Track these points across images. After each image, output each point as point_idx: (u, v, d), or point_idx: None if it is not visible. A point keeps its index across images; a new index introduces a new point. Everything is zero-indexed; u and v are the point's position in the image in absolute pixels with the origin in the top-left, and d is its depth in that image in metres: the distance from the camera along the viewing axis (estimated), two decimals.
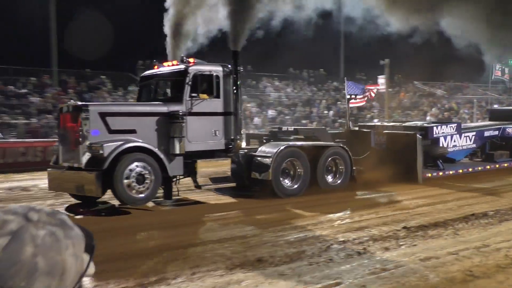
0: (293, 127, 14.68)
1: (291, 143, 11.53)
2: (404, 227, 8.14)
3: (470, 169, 14.42)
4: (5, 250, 0.84)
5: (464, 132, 14.81)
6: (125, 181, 9.20)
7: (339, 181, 12.00)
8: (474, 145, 15.11)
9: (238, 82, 11.21)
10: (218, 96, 10.75)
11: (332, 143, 12.38)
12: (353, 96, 16.25)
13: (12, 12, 23.12)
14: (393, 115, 28.88)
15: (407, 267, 6.04)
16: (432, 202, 10.39)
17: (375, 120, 27.31)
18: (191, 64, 10.62)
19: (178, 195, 10.72)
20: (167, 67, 11.50)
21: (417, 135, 12.96)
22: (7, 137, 19.86)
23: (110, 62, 27.51)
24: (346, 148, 12.22)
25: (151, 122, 9.99)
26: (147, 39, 25.73)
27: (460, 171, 14.10)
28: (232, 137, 10.86)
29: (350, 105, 16.61)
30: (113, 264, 6.25)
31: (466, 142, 14.77)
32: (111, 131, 9.58)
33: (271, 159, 10.58)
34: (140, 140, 9.61)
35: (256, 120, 26.52)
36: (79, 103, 9.63)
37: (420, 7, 15.14)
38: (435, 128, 14.22)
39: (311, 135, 12.73)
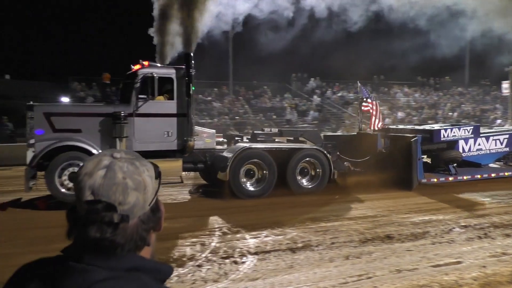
0: (277, 128, 12.53)
1: (253, 145, 9.63)
2: None
3: (493, 175, 11.14)
4: (105, 177, 1.00)
5: (492, 135, 11.68)
6: (58, 178, 8.12)
7: (314, 184, 9.77)
8: (507, 149, 11.84)
9: (191, 84, 9.28)
10: (172, 98, 9.26)
11: (306, 145, 10.09)
12: (364, 99, 12.94)
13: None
14: None
15: None
16: None
17: (498, 121, 24.63)
18: (146, 67, 9.12)
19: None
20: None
21: (412, 139, 10.04)
22: None
23: (271, 74, 28.49)
24: (323, 150, 9.95)
25: (96, 122, 8.74)
26: (302, 55, 26.30)
27: (479, 176, 10.97)
28: (185, 138, 9.11)
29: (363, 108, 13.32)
30: (270, 231, 6.72)
31: (496, 145, 11.65)
32: (56, 130, 8.51)
33: (229, 160, 9.02)
34: (84, 139, 8.51)
35: (387, 120, 25.63)
36: (29, 103, 8.60)
37: None
38: (443, 131, 11.14)
39: (297, 137, 10.67)
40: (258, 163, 9.29)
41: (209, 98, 26.90)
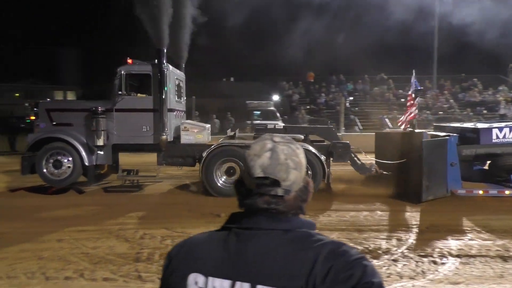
0: (283, 124, 11.08)
1: (226, 142, 9.04)
2: None
3: None
4: (271, 158, 1.14)
5: None
6: (44, 165, 8.79)
7: None
8: None
9: (165, 80, 8.89)
10: (149, 94, 9.04)
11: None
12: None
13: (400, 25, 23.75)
14: None
15: None
16: None
17: None
18: (127, 64, 9.05)
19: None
20: None
21: (422, 140, 7.79)
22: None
23: (483, 66, 25.13)
24: (313, 150, 8.55)
25: (83, 117, 9.01)
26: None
27: None
28: (163, 133, 8.82)
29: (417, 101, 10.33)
30: (476, 234, 6.04)
31: None
32: (54, 124, 9.11)
33: (203, 157, 8.58)
34: (72, 132, 8.94)
35: None
36: (37, 101, 9.42)
37: None
38: (496, 130, 8.11)
39: (307, 135, 9.47)
40: (236, 161, 8.65)
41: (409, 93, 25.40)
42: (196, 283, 1.11)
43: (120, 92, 8.92)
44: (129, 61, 9.15)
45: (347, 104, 22.60)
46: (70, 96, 46.36)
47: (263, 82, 29.06)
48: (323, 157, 8.67)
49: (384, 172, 8.86)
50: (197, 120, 18.89)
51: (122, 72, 8.91)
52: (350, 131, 19.10)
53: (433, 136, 8.90)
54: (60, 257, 5.16)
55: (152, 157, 9.52)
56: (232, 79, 35.29)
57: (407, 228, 6.41)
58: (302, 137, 9.47)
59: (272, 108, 19.34)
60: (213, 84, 29.69)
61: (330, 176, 8.91)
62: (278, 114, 18.97)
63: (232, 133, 10.22)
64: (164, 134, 8.86)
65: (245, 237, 1.12)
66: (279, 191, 1.14)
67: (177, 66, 10.42)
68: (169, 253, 1.21)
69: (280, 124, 13.41)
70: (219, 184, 8.69)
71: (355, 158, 9.15)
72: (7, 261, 5.05)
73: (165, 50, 8.95)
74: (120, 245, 5.60)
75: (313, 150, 8.63)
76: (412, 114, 10.38)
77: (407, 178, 8.12)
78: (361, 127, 21.68)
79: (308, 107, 24.56)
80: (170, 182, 10.25)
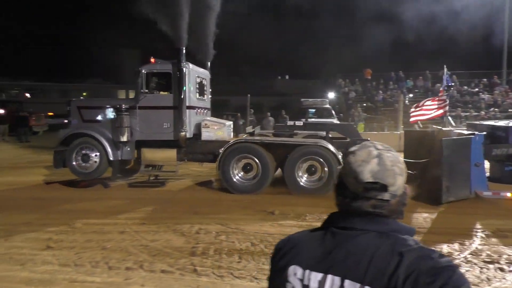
0: (302, 121, 10.88)
1: (243, 138, 9.14)
2: None
3: None
4: (379, 164, 1.20)
5: None
6: (74, 158, 9.25)
7: (316, 185, 8.40)
8: None
9: (184, 78, 9.06)
10: (170, 92, 9.26)
11: (305, 141, 8.92)
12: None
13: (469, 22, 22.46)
14: None
15: None
16: None
17: None
18: (150, 64, 9.34)
19: None
20: None
21: (443, 138, 7.37)
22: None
23: None
24: (328, 147, 8.41)
25: (110, 114, 9.46)
26: None
27: None
28: (181, 129, 9.03)
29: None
30: None
31: None
32: (84, 121, 9.56)
33: (220, 153, 8.67)
34: (101, 129, 9.36)
35: None
36: (70, 99, 9.96)
37: None
38: None
39: (327, 132, 9.32)
40: (253, 158, 8.68)
41: (476, 90, 23.97)
42: (295, 274, 1.22)
43: (142, 90, 9.23)
44: (152, 60, 9.45)
45: (406, 101, 21.75)
46: (132, 95, 48.64)
47: (318, 79, 28.76)
48: (340, 155, 8.43)
49: (409, 171, 8.43)
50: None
51: (144, 71, 9.20)
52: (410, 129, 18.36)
53: (459, 134, 8.39)
54: (122, 248, 5.42)
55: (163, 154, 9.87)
56: (287, 77, 35.22)
57: (471, 232, 6.06)
58: (324, 134, 9.37)
59: (327, 106, 19.07)
60: (269, 82, 29.81)
61: None
62: (333, 112, 18.68)
63: (251, 130, 10.26)
64: (183, 130, 9.06)
65: (341, 236, 1.21)
66: (386, 196, 1.20)
67: (202, 65, 10.61)
68: (276, 246, 1.34)
69: (335, 121, 13.34)
70: (235, 180, 8.72)
71: None
72: (75, 249, 5.40)
73: (183, 50, 9.12)
74: (176, 239, 5.78)
75: (331, 148, 8.51)
76: (442, 111, 9.95)
77: (429, 178, 7.76)
78: (421, 126, 20.81)
79: (364, 104, 23.96)
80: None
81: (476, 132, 7.99)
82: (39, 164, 13.22)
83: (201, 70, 10.32)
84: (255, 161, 8.65)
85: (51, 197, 8.80)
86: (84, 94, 52.97)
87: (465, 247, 5.40)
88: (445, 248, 5.34)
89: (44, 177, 10.97)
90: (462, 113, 21.31)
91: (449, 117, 19.96)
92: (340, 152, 8.54)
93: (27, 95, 50.35)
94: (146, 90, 9.25)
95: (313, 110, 18.55)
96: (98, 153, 9.28)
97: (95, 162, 9.30)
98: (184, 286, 4.28)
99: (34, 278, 4.53)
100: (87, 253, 5.26)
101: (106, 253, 5.23)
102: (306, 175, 8.58)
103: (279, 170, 9.11)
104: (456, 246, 5.43)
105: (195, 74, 9.72)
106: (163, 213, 7.28)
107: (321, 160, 8.42)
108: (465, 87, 24.19)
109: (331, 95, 26.13)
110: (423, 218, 6.79)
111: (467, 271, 4.59)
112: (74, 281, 4.43)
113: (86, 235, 5.99)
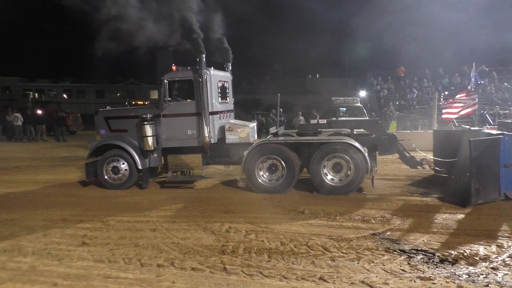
0: (325, 119, 10.42)
1: (267, 139, 9.04)
2: None
3: None
4: None
5: None
6: (105, 171, 9.52)
7: (341, 184, 8.29)
8: None
9: (207, 85, 8.98)
10: (192, 99, 9.23)
11: (329, 138, 8.75)
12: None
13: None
14: None
15: None
16: None
17: None
18: (172, 72, 9.36)
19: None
20: None
21: (470, 139, 6.97)
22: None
23: None
24: (356, 144, 8.23)
25: (135, 123, 9.58)
26: None
27: None
28: (206, 135, 9.05)
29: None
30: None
31: None
32: (112, 130, 9.81)
33: (245, 155, 8.71)
34: (128, 138, 9.58)
35: None
36: (97, 110, 10.14)
37: None
38: None
39: (352, 128, 9.11)
40: (277, 158, 8.66)
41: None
42: None
43: (165, 99, 9.26)
44: (173, 68, 9.54)
45: (442, 99, 21.13)
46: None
47: (350, 77, 28.39)
48: (366, 151, 8.30)
49: (437, 168, 8.60)
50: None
51: (165, 80, 9.23)
52: (444, 128, 17.84)
53: (488, 134, 8.03)
54: (154, 245, 5.54)
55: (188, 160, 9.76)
56: (317, 75, 34.92)
57: (510, 234, 5.83)
58: (349, 130, 9.23)
59: (358, 104, 18.79)
60: (299, 81, 29.67)
61: (375, 170, 8.52)
62: (365, 111, 18.39)
63: (275, 131, 10.20)
64: (207, 137, 9.08)
65: None
66: None
67: (222, 67, 10.54)
68: None
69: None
70: (260, 181, 8.74)
71: (404, 151, 8.87)
72: (109, 246, 5.57)
73: (204, 57, 9.04)
74: (207, 237, 5.85)
75: (356, 144, 8.31)
76: (470, 109, 9.63)
77: (457, 178, 7.55)
78: (456, 124, 20.19)
79: (397, 102, 23.45)
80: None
81: (505, 132, 7.65)
82: (75, 163, 13.70)
83: (222, 73, 10.20)
84: (280, 162, 8.64)
85: (86, 194, 9.13)
86: (118, 94, 54.41)
87: (503, 249, 5.20)
88: (481, 250, 5.16)
89: (79, 176, 11.35)
90: (500, 111, 20.50)
91: (487, 115, 19.31)
92: (366, 148, 8.41)
93: (65, 96, 52.13)
94: (170, 98, 9.32)
95: (344, 109, 18.34)
96: (126, 163, 9.45)
97: (125, 171, 9.47)
98: (214, 284, 4.33)
99: (71, 274, 4.70)
100: (121, 249, 5.42)
101: (138, 250, 5.36)
102: (331, 173, 8.46)
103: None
104: (493, 248, 5.23)
105: (216, 79, 9.62)
106: (193, 211, 7.38)
107: (346, 157, 8.28)
108: (505, 84, 23.25)
109: (363, 93, 25.69)
110: (455, 219, 6.59)
111: (505, 274, 4.42)
112: (108, 277, 4.57)
113: (120, 232, 6.17)
